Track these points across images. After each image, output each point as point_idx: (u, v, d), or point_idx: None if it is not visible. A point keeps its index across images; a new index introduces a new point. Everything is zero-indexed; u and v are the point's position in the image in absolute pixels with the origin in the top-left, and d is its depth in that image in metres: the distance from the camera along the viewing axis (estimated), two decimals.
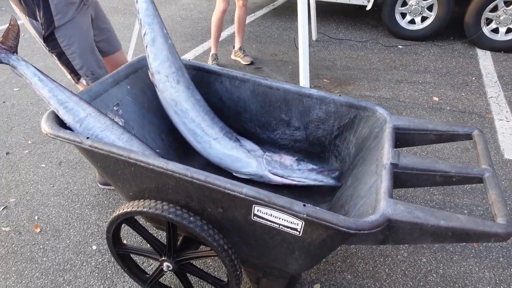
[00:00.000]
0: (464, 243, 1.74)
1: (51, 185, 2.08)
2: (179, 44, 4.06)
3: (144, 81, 1.69)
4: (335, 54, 3.83)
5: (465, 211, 1.90)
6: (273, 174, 1.58)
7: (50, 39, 1.54)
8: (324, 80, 3.28)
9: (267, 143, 1.82)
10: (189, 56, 3.76)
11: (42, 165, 2.23)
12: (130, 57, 3.16)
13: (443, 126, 1.38)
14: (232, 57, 3.67)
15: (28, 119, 2.69)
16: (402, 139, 1.42)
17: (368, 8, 4.09)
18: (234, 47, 3.64)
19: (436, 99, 2.97)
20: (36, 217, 1.87)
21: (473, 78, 3.30)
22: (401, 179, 1.25)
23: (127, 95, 1.59)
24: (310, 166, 1.61)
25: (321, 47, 4.00)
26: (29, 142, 2.44)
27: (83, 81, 1.70)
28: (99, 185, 2.04)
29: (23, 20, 1.56)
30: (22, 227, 1.81)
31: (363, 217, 1.04)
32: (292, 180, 1.57)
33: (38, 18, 1.48)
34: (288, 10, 5.34)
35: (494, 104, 2.87)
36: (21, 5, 1.48)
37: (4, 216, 1.87)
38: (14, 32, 1.27)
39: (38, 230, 1.79)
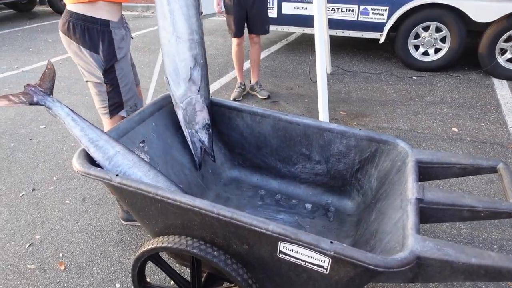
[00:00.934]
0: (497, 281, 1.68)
1: (75, 222, 2.11)
2: None
3: (167, 118, 1.74)
4: (350, 86, 3.88)
5: (495, 246, 1.84)
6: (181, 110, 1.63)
7: (109, 71, 1.63)
8: (341, 112, 3.31)
9: (288, 177, 1.83)
10: None
11: (67, 201, 2.28)
12: (151, 93, 3.27)
13: (466, 159, 1.37)
14: (249, 91, 3.76)
15: (53, 156, 2.77)
16: (425, 172, 1.42)
17: (381, 41, 4.18)
18: (250, 82, 3.74)
19: (455, 129, 2.95)
20: (60, 254, 1.89)
21: (492, 108, 3.28)
22: (427, 214, 1.23)
23: (152, 132, 1.64)
24: None
25: (336, 80, 4.07)
26: (54, 178, 2.51)
27: (121, 113, 1.75)
28: (122, 221, 2.07)
29: (72, 53, 1.62)
30: (47, 264, 1.83)
31: (391, 254, 1.02)
32: None
33: (100, 51, 1.57)
34: (301, 45, 5.48)
35: None
36: (84, 38, 1.55)
37: (30, 253, 1.90)
38: (50, 74, 1.36)
39: (62, 267, 1.81)
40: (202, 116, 1.66)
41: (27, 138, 3.03)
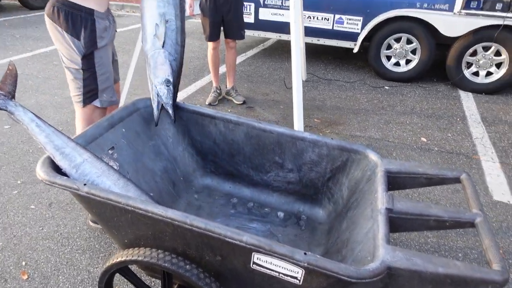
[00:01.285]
0: None
1: (40, 228, 2.03)
2: None
3: (138, 124, 1.71)
4: (325, 94, 3.94)
5: (460, 255, 1.91)
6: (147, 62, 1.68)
7: (88, 58, 1.68)
8: (315, 120, 3.35)
9: (261, 185, 1.83)
10: (182, 95, 3.82)
11: (32, 207, 2.19)
12: (124, 95, 3.19)
13: (432, 170, 1.42)
14: (225, 96, 3.75)
15: (18, 158, 2.66)
16: (394, 182, 1.45)
17: (355, 50, 4.27)
18: (226, 86, 3.73)
19: (424, 139, 3.05)
20: (23, 263, 1.80)
21: (458, 119, 3.41)
22: (396, 223, 1.27)
23: (122, 138, 1.60)
24: None
25: (311, 87, 4.12)
26: (19, 182, 2.40)
27: (95, 103, 1.78)
28: (91, 224, 2.00)
29: (54, 37, 1.66)
30: (8, 273, 1.75)
31: (362, 264, 1.04)
32: None
33: (81, 38, 1.63)
34: (278, 51, 5.53)
35: (479, 145, 2.96)
36: (67, 23, 1.60)
37: None
38: (12, 77, 1.30)
39: (25, 277, 1.73)
40: (163, 71, 1.66)
41: None
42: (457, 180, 1.41)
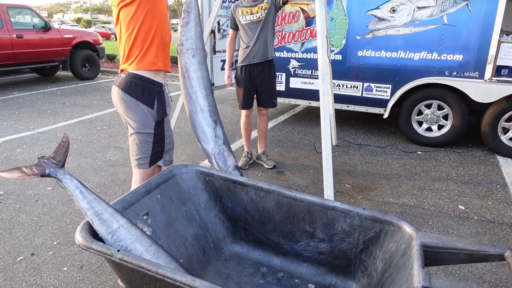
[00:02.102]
0: None
1: None
2: None
3: (172, 191, 1.77)
4: (355, 159, 3.93)
5: None
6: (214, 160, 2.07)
7: (159, 124, 1.95)
8: (346, 185, 3.32)
9: (291, 254, 1.79)
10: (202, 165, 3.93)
11: (64, 268, 2.23)
12: None
13: (473, 245, 1.35)
14: (256, 160, 3.82)
15: (56, 219, 2.77)
16: (431, 257, 1.39)
17: (385, 116, 4.31)
18: (257, 151, 3.82)
19: (462, 207, 2.91)
20: None
21: (498, 186, 3.27)
22: None
23: (156, 204, 1.66)
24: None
25: (341, 152, 4.13)
26: (55, 243, 2.48)
27: (159, 163, 2.04)
28: (120, 283, 1.99)
29: (125, 107, 1.89)
30: None
31: None
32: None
33: (155, 107, 1.91)
34: (308, 116, 5.67)
35: None
36: (143, 94, 1.87)
37: None
38: (64, 147, 1.42)
39: None
40: (231, 161, 2.10)
41: (33, 200, 3.05)
42: (501, 258, 1.33)
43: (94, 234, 1.32)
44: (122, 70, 1.95)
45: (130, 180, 3.39)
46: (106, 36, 26.89)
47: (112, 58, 12.44)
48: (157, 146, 1.96)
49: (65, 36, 8.66)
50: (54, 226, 2.68)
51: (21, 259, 2.31)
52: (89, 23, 57.00)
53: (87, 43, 9.16)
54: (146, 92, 1.87)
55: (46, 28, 8.22)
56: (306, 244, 1.74)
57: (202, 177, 1.86)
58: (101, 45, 9.69)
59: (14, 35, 7.60)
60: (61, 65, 8.91)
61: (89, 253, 2.36)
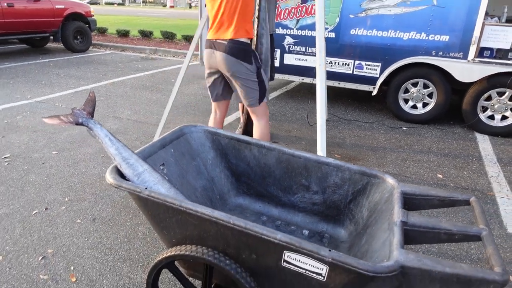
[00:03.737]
0: None
1: (86, 239, 2.25)
2: (202, 118, 4.47)
3: (184, 147, 1.96)
4: (345, 132, 4.17)
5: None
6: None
7: (258, 73, 2.54)
8: (336, 155, 3.56)
9: (288, 206, 2.02)
10: None
11: (78, 221, 2.43)
12: (160, 128, 3.50)
13: (444, 193, 1.59)
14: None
15: (65, 179, 2.94)
16: (410, 203, 1.63)
17: (374, 93, 4.54)
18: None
19: (441, 176, 3.19)
20: (72, 268, 2.01)
21: (474, 159, 3.56)
22: (410, 236, 1.43)
23: (170, 157, 1.85)
24: None
25: (332, 126, 4.37)
26: (66, 199, 2.67)
27: (265, 100, 2.64)
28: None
29: (237, 68, 2.47)
30: (59, 276, 1.95)
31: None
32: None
33: (252, 62, 2.49)
34: (300, 93, 5.86)
35: (495, 183, 3.08)
36: (244, 57, 2.44)
37: (42, 265, 2.02)
38: (92, 101, 1.59)
39: (74, 279, 1.93)
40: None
41: (40, 162, 3.21)
42: (467, 203, 1.57)
43: (121, 177, 1.51)
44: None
45: (131, 147, 3.57)
46: None
47: (103, 31, 12.29)
48: (261, 88, 2.57)
49: (57, 6, 8.54)
50: (64, 185, 2.85)
51: (36, 212, 2.50)
52: None
53: (79, 14, 9.06)
54: (246, 55, 2.45)
55: None
56: (301, 196, 1.97)
57: (209, 136, 2.05)
58: (93, 17, 9.59)
59: (5, 4, 7.50)
60: (52, 37, 8.83)
61: (99, 208, 2.56)
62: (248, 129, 3.15)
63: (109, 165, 3.18)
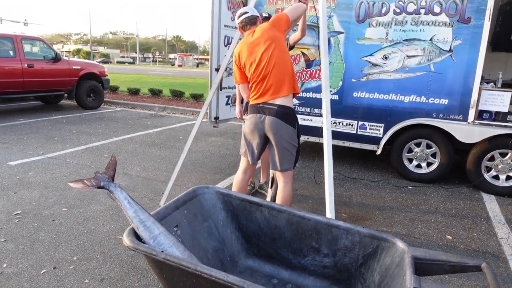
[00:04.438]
0: None
1: None
2: (209, 176, 4.54)
3: (197, 208, 2.02)
4: (351, 191, 4.21)
5: None
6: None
7: (298, 138, 2.72)
8: (343, 214, 3.57)
9: (298, 268, 2.02)
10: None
11: (86, 281, 2.41)
12: (169, 186, 3.56)
13: (455, 258, 1.61)
14: (258, 190, 4.07)
15: (74, 237, 2.96)
16: (421, 268, 1.64)
17: (378, 153, 4.64)
18: (259, 181, 4.08)
19: (450, 237, 3.17)
20: None
21: (482, 220, 3.55)
22: None
23: (184, 218, 1.90)
24: None
25: (338, 184, 4.41)
26: (75, 258, 2.66)
27: (297, 165, 2.78)
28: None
29: (285, 131, 2.61)
30: None
31: None
32: None
33: (296, 127, 2.68)
34: (305, 151, 5.98)
35: (505, 245, 3.05)
36: (293, 121, 2.64)
37: None
38: (113, 165, 1.68)
39: None
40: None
41: (50, 219, 3.24)
42: (478, 268, 1.59)
43: (138, 239, 1.55)
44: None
45: (140, 204, 3.61)
46: None
47: (114, 89, 12.85)
48: (297, 153, 2.74)
49: (73, 67, 9.06)
50: (73, 243, 2.86)
51: (44, 272, 2.49)
52: (88, 55, 58.32)
53: (93, 74, 9.56)
54: (294, 122, 2.68)
55: (56, 59, 8.62)
56: (312, 259, 1.98)
57: (221, 197, 2.11)
58: (107, 76, 10.10)
59: (26, 65, 7.97)
60: (66, 94, 9.24)
61: (108, 268, 2.55)
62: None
63: (118, 223, 3.21)
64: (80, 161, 4.97)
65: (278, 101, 2.58)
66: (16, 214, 3.31)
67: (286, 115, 2.59)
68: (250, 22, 2.73)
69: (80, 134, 6.61)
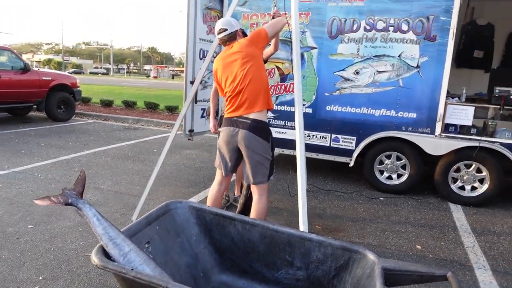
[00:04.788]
0: None
1: None
2: (184, 189, 4.49)
3: (169, 223, 1.99)
4: (325, 203, 4.26)
5: None
6: None
7: (272, 152, 2.78)
8: (316, 226, 3.60)
9: (272, 282, 2.02)
10: (193, 200, 4.12)
11: None
12: (143, 200, 3.50)
13: (422, 268, 1.66)
14: (233, 203, 4.05)
15: (40, 255, 2.84)
16: (391, 278, 1.67)
17: (351, 165, 4.74)
18: (234, 194, 4.07)
19: (419, 247, 3.26)
20: None
21: (449, 229, 3.67)
22: None
23: (155, 234, 1.87)
24: None
25: (312, 196, 4.46)
26: (40, 278, 2.55)
27: (271, 178, 2.81)
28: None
29: (257, 145, 2.65)
30: None
31: None
32: None
33: (270, 141, 2.73)
34: (280, 164, 6.03)
35: (471, 254, 3.17)
36: (266, 135, 2.69)
37: None
38: (82, 181, 1.64)
39: None
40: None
41: (14, 237, 3.10)
42: (444, 278, 1.64)
43: (107, 257, 1.51)
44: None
45: (111, 219, 3.52)
46: None
47: (87, 101, 12.56)
48: (271, 166, 2.77)
49: (43, 78, 8.81)
50: (39, 262, 2.74)
51: None
52: (59, 65, 56.88)
53: (64, 85, 9.32)
54: (267, 134, 2.73)
55: (25, 69, 8.36)
56: (285, 272, 1.99)
57: (194, 212, 2.09)
58: (78, 88, 9.87)
59: None
60: (35, 106, 8.95)
61: (76, 286, 2.46)
62: (247, 204, 3.16)
63: (87, 239, 3.10)
64: (49, 176, 4.80)
65: (252, 116, 2.63)
66: None
67: (259, 129, 2.63)
68: (230, 39, 2.78)
69: (49, 147, 6.40)
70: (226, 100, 2.77)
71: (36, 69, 9.19)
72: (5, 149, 6.05)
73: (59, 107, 9.23)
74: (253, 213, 2.74)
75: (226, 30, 2.75)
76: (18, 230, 3.24)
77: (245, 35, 3.17)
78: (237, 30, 2.81)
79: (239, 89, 2.63)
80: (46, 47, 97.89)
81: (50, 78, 8.99)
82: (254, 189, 2.76)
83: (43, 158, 5.62)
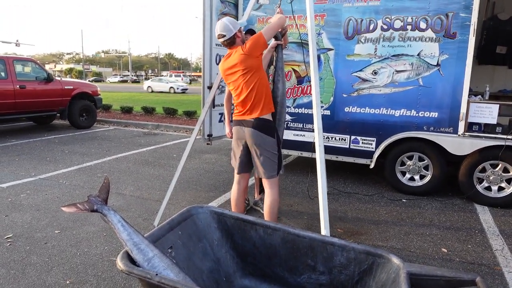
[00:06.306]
0: None
1: None
2: (204, 194, 4.53)
3: (191, 228, 2.01)
4: (346, 206, 4.21)
5: None
6: None
7: (279, 148, 2.95)
8: (338, 230, 3.56)
9: (295, 287, 2.00)
10: (214, 205, 4.15)
11: None
12: (164, 205, 3.54)
13: (450, 273, 1.62)
14: (253, 206, 4.06)
15: (67, 260, 2.91)
16: (416, 284, 1.64)
17: (371, 166, 4.67)
18: (254, 197, 4.07)
19: (445, 250, 3.18)
20: None
21: (476, 232, 3.56)
22: None
23: (178, 239, 1.89)
24: None
25: (332, 199, 4.42)
26: (68, 282, 2.62)
27: (281, 172, 3.01)
28: None
29: (262, 142, 2.87)
30: None
31: None
32: None
33: (275, 137, 2.90)
34: (299, 166, 6.00)
35: (500, 257, 3.06)
36: (271, 132, 2.88)
37: None
38: (106, 187, 1.68)
39: None
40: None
41: (42, 242, 3.19)
42: (473, 283, 1.59)
43: (132, 262, 1.54)
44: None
45: (134, 224, 3.58)
46: None
47: (107, 108, 12.84)
48: (280, 160, 2.95)
49: (66, 87, 9.06)
50: (66, 267, 2.82)
51: None
52: (80, 74, 58.41)
53: (86, 93, 9.56)
54: (272, 130, 2.90)
55: (49, 79, 8.63)
56: (308, 277, 1.97)
57: (215, 217, 2.11)
58: (99, 96, 10.11)
59: (18, 86, 7.96)
60: (59, 114, 9.21)
61: None
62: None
63: (111, 244, 3.17)
64: (73, 182, 4.92)
65: (256, 115, 2.87)
66: (7, 237, 3.26)
67: (263, 126, 2.86)
68: (230, 44, 2.89)
69: (72, 154, 6.57)
70: (233, 103, 3.04)
71: (59, 78, 9.46)
72: (31, 157, 6.25)
73: (81, 115, 9.47)
74: (265, 205, 2.96)
75: (224, 36, 2.82)
76: (45, 235, 3.33)
77: (248, 33, 3.40)
78: (235, 33, 2.84)
79: (244, 98, 2.86)
80: (67, 56, 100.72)
81: (72, 87, 9.24)
82: (265, 183, 2.97)
83: (67, 165, 5.77)
